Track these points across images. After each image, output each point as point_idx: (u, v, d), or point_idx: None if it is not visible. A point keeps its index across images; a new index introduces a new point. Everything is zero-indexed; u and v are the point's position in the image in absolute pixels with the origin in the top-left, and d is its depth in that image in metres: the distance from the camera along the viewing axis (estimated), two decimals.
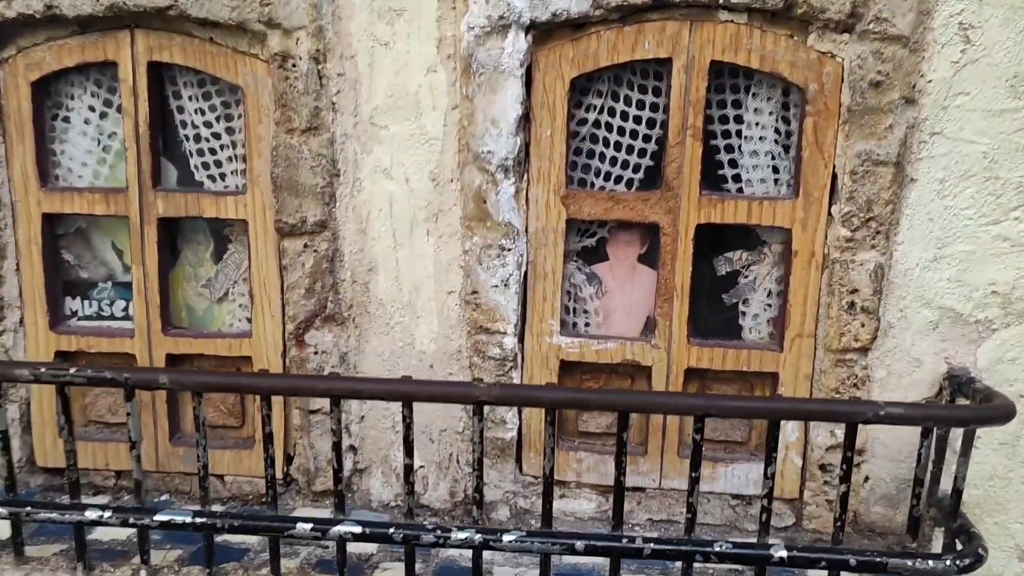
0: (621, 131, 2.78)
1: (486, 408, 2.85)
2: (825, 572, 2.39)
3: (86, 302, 3.11)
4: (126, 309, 3.09)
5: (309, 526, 2.46)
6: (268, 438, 2.49)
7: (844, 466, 2.32)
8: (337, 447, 2.47)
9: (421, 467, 2.99)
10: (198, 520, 2.50)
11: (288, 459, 3.04)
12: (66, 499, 2.59)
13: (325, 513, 2.71)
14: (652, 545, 2.36)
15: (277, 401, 2.96)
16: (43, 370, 2.47)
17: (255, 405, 3.02)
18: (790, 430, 2.81)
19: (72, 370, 2.47)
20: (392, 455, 2.99)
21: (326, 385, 2.41)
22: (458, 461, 2.97)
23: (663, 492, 2.93)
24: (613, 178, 2.82)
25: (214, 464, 3.04)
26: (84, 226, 3.07)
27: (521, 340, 2.86)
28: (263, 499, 3.06)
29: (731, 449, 2.93)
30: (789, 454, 2.83)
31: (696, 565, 2.47)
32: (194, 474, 3.06)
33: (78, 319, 3.11)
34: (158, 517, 2.52)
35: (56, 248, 3.05)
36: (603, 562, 2.74)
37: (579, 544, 2.38)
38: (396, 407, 2.94)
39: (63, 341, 3.03)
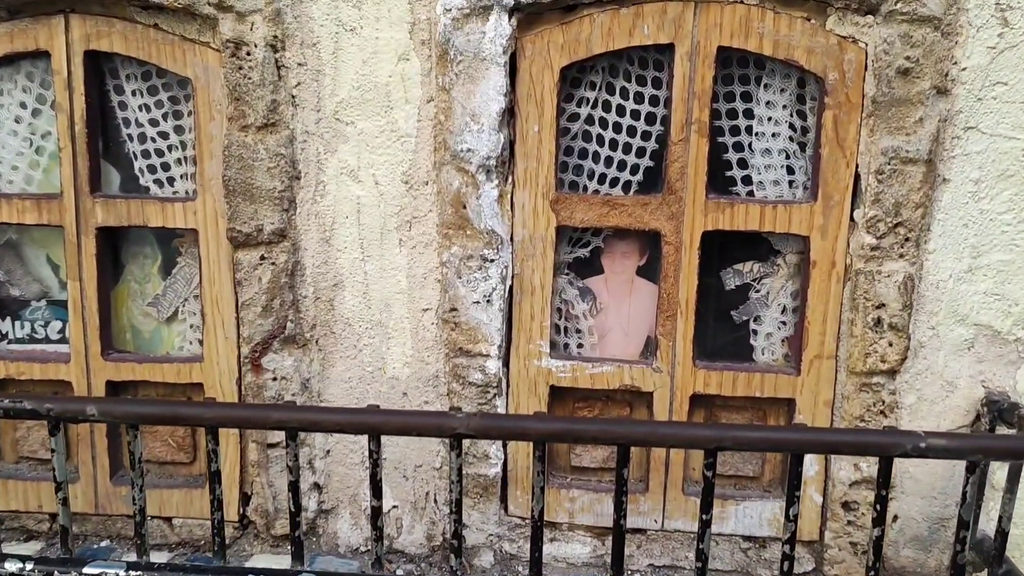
0: (617, 127, 2.48)
1: (466, 442, 2.54)
2: None
3: (17, 323, 2.77)
4: (62, 331, 2.76)
5: None
6: (215, 476, 2.15)
7: (878, 506, 1.99)
8: (294, 487, 2.13)
9: (394, 507, 2.67)
10: (132, 573, 2.17)
11: (245, 499, 2.70)
12: None
13: (285, 561, 2.38)
14: None
15: (232, 434, 2.64)
16: None
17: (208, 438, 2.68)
18: (808, 463, 2.49)
19: None
20: (362, 493, 2.66)
21: (280, 416, 2.07)
22: (436, 500, 2.64)
23: (666, 534, 2.61)
24: (608, 180, 2.51)
25: (162, 505, 2.72)
26: (15, 238, 2.74)
27: (506, 364, 2.54)
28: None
29: (742, 485, 2.62)
30: (808, 491, 2.52)
31: None
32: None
33: (8, 342, 2.77)
34: (87, 570, 2.18)
35: None
36: None
37: None
38: (366, 440, 2.62)
39: None
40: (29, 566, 2.21)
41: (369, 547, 2.69)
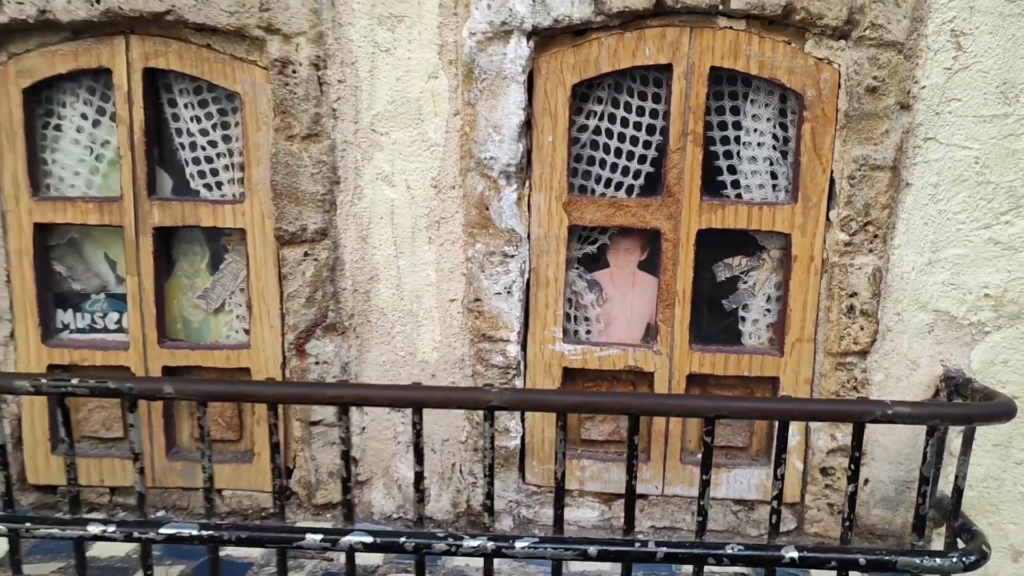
0: (622, 137, 2.80)
1: None
2: (831, 573, 2.42)
3: (78, 314, 3.05)
4: (119, 321, 3.04)
5: (319, 537, 2.42)
6: (275, 448, 2.46)
7: (852, 466, 2.34)
8: (346, 456, 2.44)
9: (424, 477, 2.97)
10: (204, 533, 2.46)
11: (288, 472, 3.00)
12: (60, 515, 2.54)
13: (326, 526, 2.70)
14: (664, 549, 2.36)
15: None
16: (44, 381, 2.41)
17: (253, 418, 2.98)
18: (791, 434, 2.82)
19: (74, 380, 2.41)
20: (394, 466, 2.96)
21: (335, 392, 2.39)
22: (461, 471, 2.95)
23: (666, 499, 2.93)
24: (614, 184, 2.83)
25: (215, 480, 3.00)
26: (76, 237, 3.02)
27: (524, 348, 2.86)
28: (262, 513, 3.03)
29: (732, 455, 2.95)
30: (790, 458, 2.85)
31: (706, 568, 2.47)
32: (192, 489, 3.02)
33: (70, 332, 3.05)
34: (163, 530, 2.46)
35: (47, 259, 2.99)
36: (608, 568, 2.75)
37: (592, 549, 2.37)
38: (397, 417, 2.93)
39: (55, 354, 2.97)
40: (111, 528, 2.49)
41: (401, 515, 2.99)
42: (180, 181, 2.95)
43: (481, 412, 2.81)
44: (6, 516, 2.54)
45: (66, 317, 3.04)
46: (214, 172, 2.93)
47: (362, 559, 2.73)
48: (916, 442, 2.79)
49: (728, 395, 2.83)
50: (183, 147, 2.93)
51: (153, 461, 3.01)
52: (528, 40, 2.63)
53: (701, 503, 2.38)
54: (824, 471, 2.82)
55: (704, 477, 2.37)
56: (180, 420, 3.06)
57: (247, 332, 2.97)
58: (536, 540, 2.38)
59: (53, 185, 2.95)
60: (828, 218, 2.70)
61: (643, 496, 2.93)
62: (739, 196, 2.80)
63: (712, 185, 2.79)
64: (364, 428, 2.95)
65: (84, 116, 2.92)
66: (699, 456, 2.83)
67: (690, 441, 2.92)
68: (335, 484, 2.96)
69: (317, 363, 2.86)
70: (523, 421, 2.90)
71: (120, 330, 3.04)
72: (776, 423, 2.49)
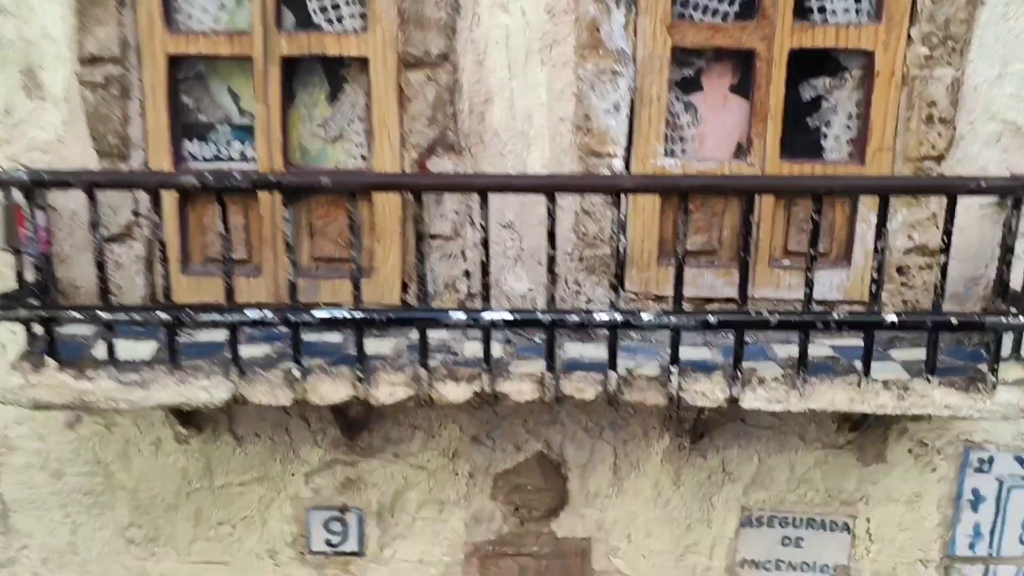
0: None
1: (594, 228, 3.12)
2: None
3: (204, 144, 3.26)
4: (242, 151, 3.26)
5: (463, 315, 2.69)
6: (420, 237, 2.71)
7: (945, 238, 2.63)
8: (485, 243, 2.70)
9: (530, 290, 3.23)
10: (356, 314, 2.72)
11: (403, 286, 3.24)
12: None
13: (443, 334, 2.99)
14: (777, 316, 2.65)
15: (396, 233, 3.17)
16: (209, 176, 2.65)
17: (373, 236, 3.21)
18: (870, 238, 3.10)
19: (237, 175, 2.65)
20: (503, 278, 3.21)
21: (481, 182, 2.64)
22: (566, 282, 3.21)
23: (754, 300, 3.19)
24: (711, 11, 3.07)
25: (334, 295, 3.25)
26: (203, 70, 3.21)
27: (627, 163, 3.10)
28: None
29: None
30: (868, 260, 3.13)
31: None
32: (333, 305, 3.25)
33: (196, 161, 3.26)
34: (317, 314, 2.73)
35: (177, 92, 3.19)
36: (708, 356, 3.03)
37: (712, 318, 2.66)
38: (507, 234, 3.18)
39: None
40: (269, 313, 2.75)
41: None
42: (302, 16, 3.15)
43: (589, 225, 3.11)
44: (166, 305, 2.79)
45: (192, 147, 3.25)
46: (335, 7, 3.13)
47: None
48: (981, 243, 3.09)
49: (833, 175, 3.08)
50: None
51: (277, 279, 3.24)
52: None
53: (808, 275, 2.66)
54: (900, 270, 3.11)
55: (811, 252, 2.65)
56: (299, 241, 3.28)
57: (364, 159, 3.20)
58: (660, 312, 2.66)
59: (182, 21, 3.13)
60: (910, 36, 2.96)
61: (733, 300, 3.21)
62: (824, 20, 3.05)
63: (801, 10, 3.03)
64: (475, 244, 3.19)
65: None
66: (784, 262, 3.14)
67: (776, 249, 3.19)
68: (449, 295, 3.23)
69: None
70: (625, 233, 3.15)
71: (243, 159, 3.26)
72: (858, 214, 2.78)
